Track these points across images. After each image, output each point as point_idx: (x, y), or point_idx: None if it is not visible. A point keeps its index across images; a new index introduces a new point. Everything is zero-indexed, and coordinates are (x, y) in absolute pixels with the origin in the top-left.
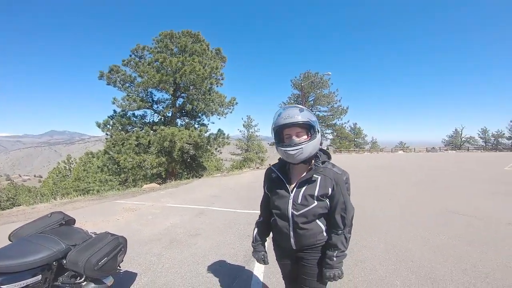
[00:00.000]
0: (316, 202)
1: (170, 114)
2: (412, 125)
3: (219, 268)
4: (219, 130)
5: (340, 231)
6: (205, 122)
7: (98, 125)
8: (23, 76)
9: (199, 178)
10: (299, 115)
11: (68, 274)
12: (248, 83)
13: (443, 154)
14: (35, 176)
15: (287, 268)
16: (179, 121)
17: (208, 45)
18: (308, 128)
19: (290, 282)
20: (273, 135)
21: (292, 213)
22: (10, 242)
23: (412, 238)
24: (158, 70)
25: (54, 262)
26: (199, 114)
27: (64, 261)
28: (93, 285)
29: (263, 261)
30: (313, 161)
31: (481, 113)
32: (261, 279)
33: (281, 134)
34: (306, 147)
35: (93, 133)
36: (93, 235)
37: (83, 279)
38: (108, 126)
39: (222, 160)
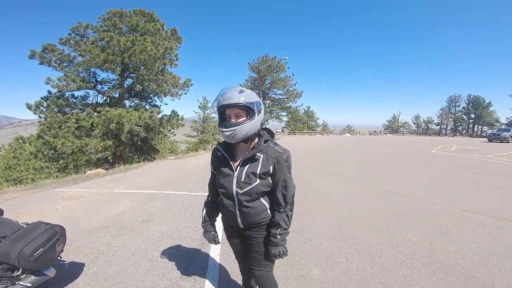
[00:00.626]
0: (258, 180)
1: (117, 95)
2: (358, 109)
3: (175, 253)
4: (172, 111)
5: (282, 209)
6: (157, 103)
7: (29, 107)
8: None
9: (151, 161)
10: (238, 96)
11: (3, 267)
12: (206, 65)
13: (383, 137)
14: None
15: (237, 247)
16: (127, 102)
17: (163, 25)
18: (247, 110)
19: (241, 260)
20: (216, 115)
21: (236, 191)
22: None
23: (353, 217)
24: (103, 49)
25: None
26: (151, 95)
27: None
28: (33, 277)
29: (214, 240)
30: (256, 139)
31: (415, 101)
32: (218, 260)
33: (223, 114)
34: (241, 128)
35: (23, 116)
36: (24, 225)
37: (20, 271)
38: (41, 107)
39: (177, 142)
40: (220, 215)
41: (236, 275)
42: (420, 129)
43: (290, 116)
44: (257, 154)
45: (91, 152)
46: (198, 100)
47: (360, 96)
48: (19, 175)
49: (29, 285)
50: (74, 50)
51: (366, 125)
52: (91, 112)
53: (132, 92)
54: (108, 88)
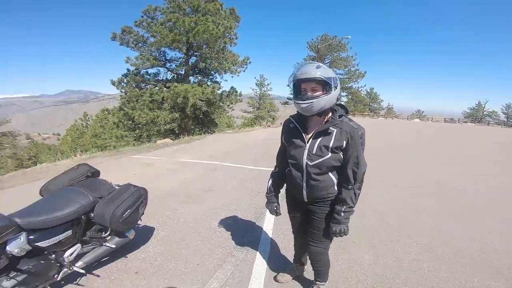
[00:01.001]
0: (330, 154)
1: (183, 72)
2: (432, 96)
3: (231, 223)
4: (231, 87)
5: (351, 186)
6: (218, 79)
7: (113, 83)
8: (38, 37)
9: (211, 134)
10: (315, 71)
11: (95, 228)
12: (263, 44)
13: (461, 127)
14: (53, 134)
15: (297, 221)
16: (192, 79)
17: (221, 4)
18: (324, 84)
19: (299, 235)
20: (292, 89)
21: (306, 163)
22: (41, 197)
23: (420, 209)
24: (170, 30)
25: (83, 216)
26: (212, 72)
27: (92, 214)
28: (117, 239)
29: (276, 212)
30: (330, 114)
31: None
32: (270, 235)
33: (299, 87)
34: (318, 101)
35: (107, 91)
36: (116, 187)
37: (108, 232)
38: (122, 83)
39: (233, 117)
40: (284, 187)
41: (286, 250)
42: (511, 120)
43: (350, 97)
44: (331, 128)
45: (161, 123)
46: (255, 78)
47: (437, 81)
48: (103, 142)
49: (113, 246)
50: (146, 31)
51: (440, 112)
52: (162, 87)
53: (196, 69)
54: (176, 66)
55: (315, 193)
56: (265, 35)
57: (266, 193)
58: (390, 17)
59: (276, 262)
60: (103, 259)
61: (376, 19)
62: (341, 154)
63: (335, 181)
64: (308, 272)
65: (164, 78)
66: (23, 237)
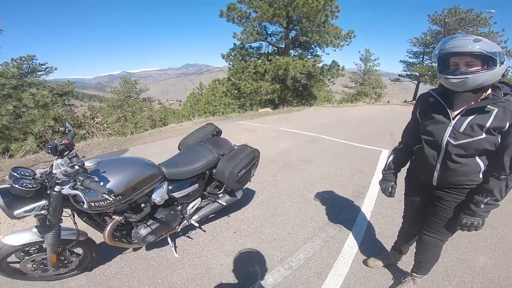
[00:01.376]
0: (484, 135)
1: (283, 46)
2: None
3: (327, 198)
4: (333, 61)
5: (503, 176)
6: (319, 53)
7: (223, 56)
8: (165, 19)
9: (310, 106)
10: (472, 45)
11: (213, 184)
12: (368, 17)
13: None
14: (177, 100)
15: (414, 206)
16: (292, 52)
17: None
18: (485, 59)
19: (410, 222)
20: (436, 62)
21: (447, 141)
22: (179, 151)
23: None
24: (270, 4)
25: (207, 171)
26: (313, 46)
27: (214, 171)
28: (227, 197)
29: (390, 192)
30: (489, 91)
31: None
32: (368, 217)
33: (447, 61)
34: (476, 77)
35: (217, 64)
36: (235, 146)
37: (222, 190)
38: (230, 57)
39: (332, 92)
40: (407, 166)
41: (383, 236)
42: None
43: None
44: (489, 106)
45: (262, 94)
46: (359, 52)
47: None
48: (214, 108)
49: (224, 204)
50: (249, 7)
51: None
52: (264, 60)
53: (296, 43)
54: (276, 39)
55: (451, 177)
56: (373, 8)
57: (383, 169)
58: None
59: (369, 247)
60: (211, 216)
61: None
62: (499, 137)
63: (482, 167)
64: (403, 262)
65: (266, 51)
66: (165, 186)
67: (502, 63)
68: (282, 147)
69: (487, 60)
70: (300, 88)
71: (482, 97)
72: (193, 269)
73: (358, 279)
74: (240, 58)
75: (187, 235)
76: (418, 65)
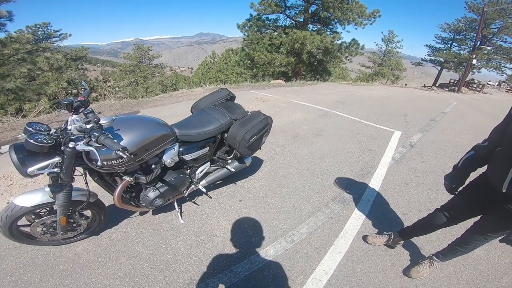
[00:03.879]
0: None
1: (302, 20)
2: None
3: (334, 174)
4: (353, 39)
5: None
6: (339, 30)
7: (238, 26)
8: None
9: (324, 82)
10: None
11: (224, 149)
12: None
13: None
14: (188, 68)
15: (465, 205)
16: (310, 27)
17: None
18: None
19: (443, 218)
20: None
21: None
22: (191, 114)
23: None
24: None
25: (219, 135)
26: (333, 22)
27: (226, 135)
28: (237, 163)
29: (453, 190)
30: None
31: None
32: (373, 197)
33: None
34: None
35: (231, 34)
36: (248, 112)
37: (232, 155)
38: (246, 27)
39: (348, 69)
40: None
41: (385, 218)
42: None
43: None
44: None
45: (276, 65)
46: (382, 33)
47: None
48: (225, 77)
49: (233, 170)
50: None
51: None
52: (281, 32)
53: (316, 17)
54: (295, 13)
55: None
56: None
57: (456, 164)
58: None
59: (372, 227)
60: (218, 182)
61: None
62: None
63: None
64: (400, 247)
65: (283, 24)
66: (176, 147)
67: None
68: (293, 119)
69: None
70: (315, 63)
71: None
72: (197, 235)
73: (356, 258)
74: (255, 29)
75: (193, 201)
76: (444, 51)
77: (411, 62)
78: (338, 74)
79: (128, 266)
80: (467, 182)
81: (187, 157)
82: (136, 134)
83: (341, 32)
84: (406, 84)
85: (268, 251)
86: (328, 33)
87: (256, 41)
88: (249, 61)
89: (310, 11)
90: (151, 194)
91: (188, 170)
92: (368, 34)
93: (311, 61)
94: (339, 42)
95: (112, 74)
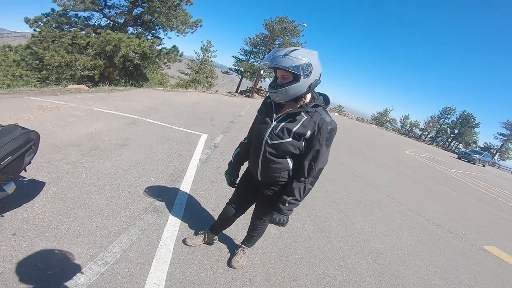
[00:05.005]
0: (290, 139)
1: (122, 21)
2: (353, 94)
3: (143, 184)
4: (173, 46)
5: (302, 179)
6: (161, 35)
7: (27, 21)
8: None
9: (139, 88)
10: (281, 59)
11: None
12: (220, 11)
13: (367, 126)
14: None
15: (241, 193)
16: (130, 29)
17: None
18: (293, 72)
19: (233, 207)
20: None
21: (266, 140)
22: None
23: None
24: None
25: None
26: (156, 27)
27: None
28: None
29: (232, 182)
30: (307, 100)
31: (411, 102)
32: (185, 200)
33: (276, 73)
34: (285, 90)
35: (15, 28)
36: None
37: None
38: (39, 22)
39: (168, 76)
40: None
41: (199, 217)
42: (404, 129)
43: None
44: (302, 114)
45: (78, 68)
46: (201, 42)
47: (359, 81)
48: None
49: None
50: None
51: (355, 110)
52: (90, 32)
53: (138, 20)
54: (116, 13)
55: (267, 173)
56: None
57: (230, 161)
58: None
59: (189, 229)
60: None
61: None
62: (303, 143)
63: (290, 167)
64: (217, 242)
65: (96, 23)
66: None
67: (307, 75)
68: (92, 130)
69: (294, 74)
70: (130, 68)
71: (299, 105)
72: None
73: (183, 263)
74: (54, 26)
75: None
76: (244, 62)
77: (221, 70)
78: (158, 80)
79: None
80: (240, 174)
81: None
82: None
83: (163, 38)
84: (217, 91)
85: (77, 281)
86: (149, 37)
87: (51, 39)
88: (37, 62)
89: (133, 13)
90: None
91: None
92: (189, 42)
93: (126, 65)
94: (159, 47)
95: None
